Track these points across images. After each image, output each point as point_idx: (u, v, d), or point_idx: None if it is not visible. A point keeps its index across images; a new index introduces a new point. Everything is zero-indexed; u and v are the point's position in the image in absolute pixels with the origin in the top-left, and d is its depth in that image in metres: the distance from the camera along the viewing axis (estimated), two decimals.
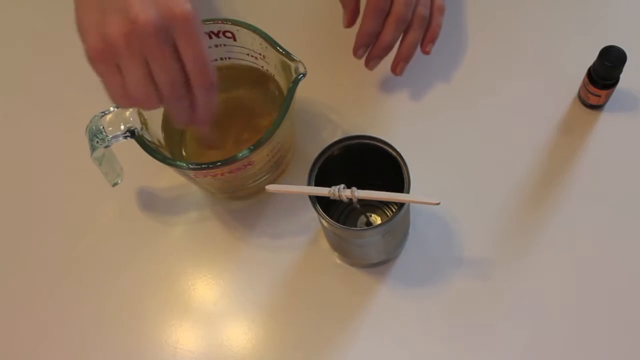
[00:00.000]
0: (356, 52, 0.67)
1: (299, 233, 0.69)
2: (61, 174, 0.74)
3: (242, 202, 0.71)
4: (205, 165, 0.59)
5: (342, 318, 0.65)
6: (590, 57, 0.66)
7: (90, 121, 0.61)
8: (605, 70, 0.65)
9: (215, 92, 0.54)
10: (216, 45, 0.66)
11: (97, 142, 0.61)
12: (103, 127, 0.61)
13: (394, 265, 0.67)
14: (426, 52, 0.68)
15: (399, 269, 0.66)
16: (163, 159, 0.60)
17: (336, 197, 0.56)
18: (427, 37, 0.68)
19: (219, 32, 0.64)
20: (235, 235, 0.70)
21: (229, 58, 0.67)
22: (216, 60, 0.67)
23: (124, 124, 0.61)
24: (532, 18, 0.76)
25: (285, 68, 0.61)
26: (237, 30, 0.63)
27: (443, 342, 0.63)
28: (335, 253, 0.67)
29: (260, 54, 0.64)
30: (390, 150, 0.58)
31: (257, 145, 0.59)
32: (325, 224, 0.58)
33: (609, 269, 0.64)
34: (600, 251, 0.65)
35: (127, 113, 0.61)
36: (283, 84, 0.63)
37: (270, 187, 0.58)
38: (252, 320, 0.66)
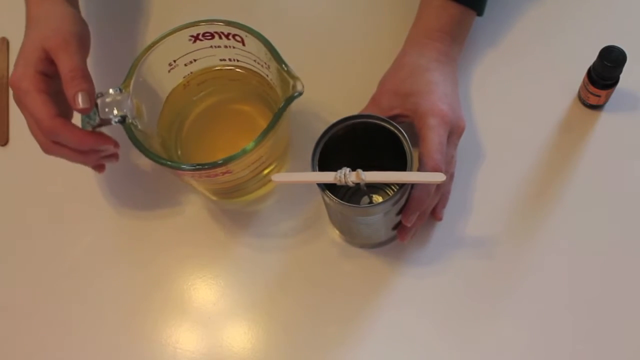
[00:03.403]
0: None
1: (298, 232, 0.69)
2: (60, 174, 0.74)
3: (241, 202, 0.71)
4: (190, 166, 0.60)
5: (342, 317, 0.65)
6: (590, 57, 0.66)
7: None
8: (605, 70, 0.65)
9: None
10: (226, 47, 0.66)
11: (87, 122, 0.61)
12: (97, 107, 0.61)
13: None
14: (439, 219, 0.67)
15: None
16: (143, 149, 0.61)
17: (342, 183, 0.56)
18: (440, 203, 0.67)
19: (229, 34, 0.64)
20: (235, 235, 0.70)
21: (238, 61, 0.68)
22: (224, 60, 0.68)
23: (117, 109, 0.61)
24: (531, 18, 0.76)
25: (285, 82, 0.61)
26: (246, 36, 0.64)
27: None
28: (343, 236, 0.67)
29: (265, 62, 0.64)
30: (390, 127, 0.58)
31: (228, 160, 0.59)
32: (334, 205, 0.58)
33: (609, 269, 0.65)
34: (600, 252, 0.65)
35: (121, 98, 0.62)
36: (281, 96, 0.63)
37: (276, 177, 0.58)
38: (252, 320, 0.66)
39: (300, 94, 0.59)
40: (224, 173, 0.61)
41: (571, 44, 0.74)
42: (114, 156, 0.66)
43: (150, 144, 0.64)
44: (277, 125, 0.60)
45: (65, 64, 0.61)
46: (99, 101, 0.62)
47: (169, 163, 0.60)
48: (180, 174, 0.62)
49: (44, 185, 0.74)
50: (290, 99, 0.59)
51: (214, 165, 0.59)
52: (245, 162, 0.61)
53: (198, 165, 0.59)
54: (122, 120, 0.61)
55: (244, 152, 0.59)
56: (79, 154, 0.63)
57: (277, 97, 0.65)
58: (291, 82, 0.59)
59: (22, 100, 0.61)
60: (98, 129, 0.63)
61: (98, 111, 0.61)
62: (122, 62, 0.66)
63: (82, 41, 0.63)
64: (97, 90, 0.62)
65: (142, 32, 0.81)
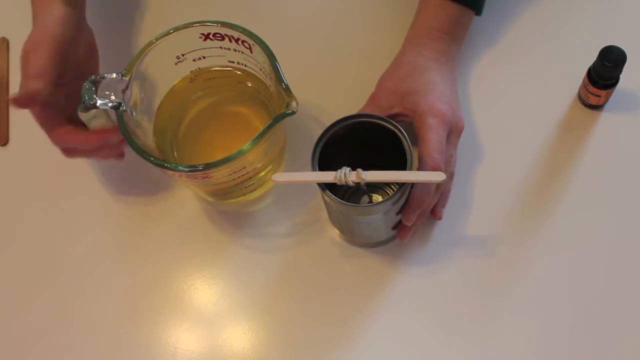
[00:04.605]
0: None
1: (298, 232, 0.69)
2: (60, 174, 0.74)
3: (240, 202, 0.71)
4: (167, 165, 0.60)
5: (342, 317, 0.65)
6: (590, 57, 0.66)
7: (88, 80, 0.62)
8: (605, 70, 0.65)
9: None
10: (235, 50, 0.66)
11: (82, 104, 0.62)
12: (95, 89, 0.61)
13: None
14: (439, 218, 0.67)
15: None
16: (129, 139, 0.61)
17: (342, 182, 0.56)
18: (439, 203, 0.67)
19: (238, 39, 0.65)
20: (235, 235, 0.70)
21: (245, 65, 0.68)
22: (233, 62, 0.68)
23: (114, 95, 0.62)
24: (531, 18, 0.76)
25: (280, 98, 0.61)
26: (253, 44, 0.64)
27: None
28: (343, 236, 0.67)
29: (269, 73, 0.65)
30: (390, 126, 0.59)
31: (208, 166, 0.59)
32: (334, 205, 0.58)
33: (609, 269, 0.65)
34: (600, 252, 0.65)
35: (120, 84, 0.62)
36: (277, 108, 0.63)
37: (276, 177, 0.58)
38: (252, 320, 0.66)
39: (293, 113, 0.59)
40: (203, 177, 0.62)
41: (571, 44, 0.74)
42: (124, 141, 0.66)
43: (144, 136, 0.64)
44: (267, 135, 0.60)
45: (29, 65, 0.62)
46: (102, 83, 0.62)
47: (152, 158, 0.61)
48: (165, 171, 0.62)
49: (44, 185, 0.74)
50: (281, 116, 0.59)
51: (194, 169, 0.59)
52: (237, 165, 0.62)
53: (182, 165, 0.60)
54: (117, 106, 0.61)
55: (224, 160, 0.60)
56: (94, 151, 0.65)
57: (276, 106, 0.65)
58: (286, 99, 0.60)
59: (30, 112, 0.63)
60: (96, 120, 0.63)
61: (96, 94, 0.61)
62: (129, 52, 0.66)
63: (56, 41, 0.63)
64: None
65: (148, 26, 0.81)
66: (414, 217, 0.62)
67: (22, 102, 0.61)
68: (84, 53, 0.67)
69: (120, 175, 0.73)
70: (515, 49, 0.75)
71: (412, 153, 0.58)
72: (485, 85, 0.73)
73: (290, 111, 0.59)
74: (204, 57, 0.68)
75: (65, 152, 0.65)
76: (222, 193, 0.69)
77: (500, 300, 0.64)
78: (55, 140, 0.64)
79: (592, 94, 0.68)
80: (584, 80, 0.68)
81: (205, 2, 0.81)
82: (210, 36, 0.65)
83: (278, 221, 0.70)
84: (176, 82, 0.70)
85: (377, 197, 0.68)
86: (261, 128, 0.60)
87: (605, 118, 0.70)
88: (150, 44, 0.64)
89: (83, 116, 0.63)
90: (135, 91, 0.64)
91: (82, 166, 0.74)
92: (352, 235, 0.67)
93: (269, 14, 0.80)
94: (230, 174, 0.63)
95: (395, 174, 0.56)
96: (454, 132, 0.65)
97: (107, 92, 0.62)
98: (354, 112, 0.60)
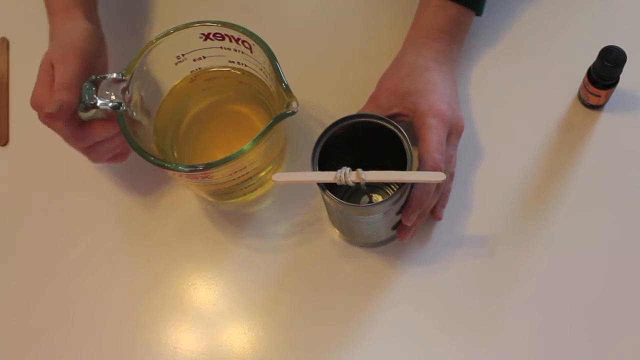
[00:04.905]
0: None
1: (298, 232, 0.69)
2: (60, 174, 0.74)
3: (240, 202, 0.71)
4: (168, 165, 0.60)
5: (342, 317, 0.65)
6: (590, 57, 0.66)
7: (88, 80, 0.62)
8: (605, 70, 0.65)
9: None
10: (235, 50, 0.67)
11: (82, 102, 0.62)
12: (95, 89, 0.62)
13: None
14: (439, 219, 0.67)
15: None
16: (129, 138, 0.61)
17: (342, 182, 0.56)
18: (439, 203, 0.67)
19: (238, 39, 0.65)
20: (235, 235, 0.70)
21: (245, 65, 0.68)
22: (233, 62, 0.68)
23: (114, 95, 0.62)
24: (531, 18, 0.76)
25: (281, 98, 0.61)
26: (254, 44, 0.64)
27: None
28: (343, 236, 0.67)
29: (269, 73, 0.65)
30: (390, 126, 0.59)
31: (209, 166, 0.59)
32: (334, 205, 0.58)
33: (609, 269, 0.65)
34: (600, 252, 0.65)
35: (120, 84, 0.62)
36: (277, 108, 0.63)
37: (276, 177, 0.58)
38: (252, 320, 0.66)
39: (294, 113, 0.59)
40: (204, 177, 0.62)
41: (571, 44, 0.74)
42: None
43: (144, 136, 0.64)
44: (267, 135, 0.60)
45: (57, 75, 0.62)
46: (103, 83, 0.62)
47: (152, 158, 0.61)
48: (165, 171, 0.62)
49: (44, 185, 0.74)
50: (281, 116, 0.59)
51: (195, 169, 0.60)
52: (238, 165, 0.62)
53: (182, 165, 0.60)
54: (117, 106, 0.62)
55: (224, 160, 0.60)
56: (116, 139, 0.65)
57: (277, 106, 0.65)
58: (287, 99, 0.60)
59: (45, 121, 0.62)
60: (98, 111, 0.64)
61: (96, 94, 0.62)
62: (129, 53, 0.66)
63: (85, 54, 0.64)
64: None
65: (149, 26, 0.81)
66: (414, 217, 0.62)
67: (56, 116, 0.61)
68: (102, 68, 0.68)
69: (120, 175, 0.73)
70: (515, 49, 0.75)
71: (412, 153, 0.58)
72: (485, 85, 0.73)
73: (290, 111, 0.59)
74: (204, 57, 0.68)
75: (91, 151, 0.64)
76: (223, 193, 0.69)
77: (500, 300, 0.64)
78: (88, 139, 0.63)
79: (592, 94, 0.68)
80: (584, 80, 0.68)
81: (205, 2, 0.81)
82: (211, 36, 0.65)
83: (278, 221, 0.70)
84: (176, 82, 0.70)
85: (377, 197, 0.68)
86: (261, 128, 0.60)
87: (605, 118, 0.70)
88: (151, 44, 0.64)
89: (83, 116, 0.63)
90: (135, 91, 0.64)
91: (82, 166, 0.74)
92: (352, 235, 0.67)
93: (269, 14, 0.80)
94: (231, 174, 0.63)
95: (395, 174, 0.56)
96: (454, 132, 0.65)
97: (107, 92, 0.62)
98: (354, 112, 0.60)
